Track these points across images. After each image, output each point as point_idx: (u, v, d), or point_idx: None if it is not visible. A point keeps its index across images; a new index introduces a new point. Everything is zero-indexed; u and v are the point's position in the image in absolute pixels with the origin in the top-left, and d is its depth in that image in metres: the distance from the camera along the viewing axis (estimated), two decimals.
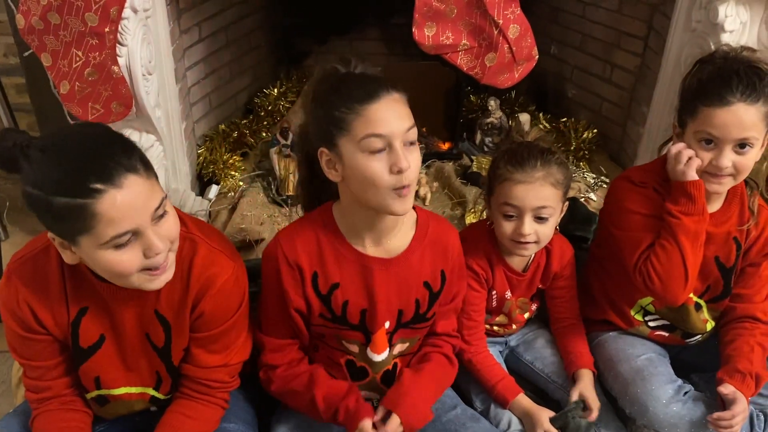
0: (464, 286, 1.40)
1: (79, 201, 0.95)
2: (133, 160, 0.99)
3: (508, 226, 1.40)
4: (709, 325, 1.54)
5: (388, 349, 1.30)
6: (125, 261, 1.02)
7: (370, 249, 1.23)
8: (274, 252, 1.23)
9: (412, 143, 1.11)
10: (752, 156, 1.30)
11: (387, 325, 1.28)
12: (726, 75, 1.28)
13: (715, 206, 1.43)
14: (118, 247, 1.00)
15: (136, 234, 1.01)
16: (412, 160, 1.10)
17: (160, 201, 1.03)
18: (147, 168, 1.02)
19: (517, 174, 1.35)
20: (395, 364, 1.34)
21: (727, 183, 1.34)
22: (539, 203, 1.36)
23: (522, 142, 1.42)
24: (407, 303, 1.28)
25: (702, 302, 1.52)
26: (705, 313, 1.53)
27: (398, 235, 1.24)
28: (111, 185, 0.96)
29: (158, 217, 1.03)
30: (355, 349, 1.30)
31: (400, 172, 1.08)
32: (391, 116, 1.08)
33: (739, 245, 1.46)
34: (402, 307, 1.27)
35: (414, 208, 1.27)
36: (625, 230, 1.42)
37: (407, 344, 1.34)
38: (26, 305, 1.14)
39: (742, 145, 1.29)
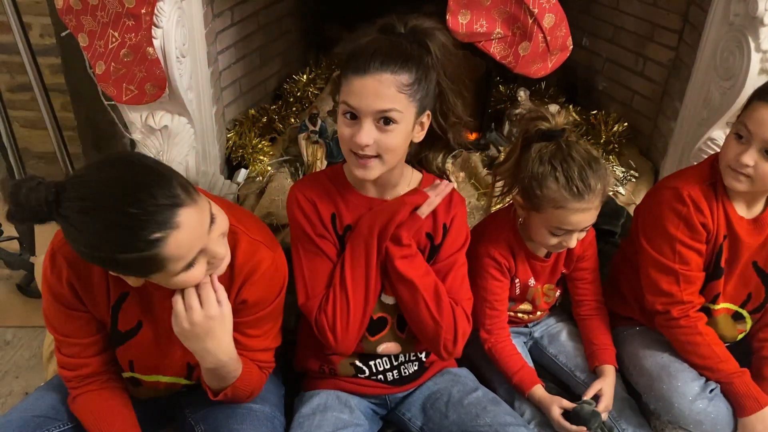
0: (463, 256, 1.39)
1: (146, 254, 0.95)
2: (175, 191, 0.98)
3: (554, 240, 1.41)
4: (742, 335, 1.53)
5: None
6: (196, 275, 1.05)
7: (368, 191, 1.33)
8: (292, 198, 1.32)
9: (386, 123, 1.17)
10: None
11: None
12: None
13: (756, 210, 1.42)
14: (188, 268, 1.03)
15: (201, 252, 1.04)
16: (379, 138, 1.17)
17: (209, 217, 1.04)
18: (188, 191, 1.01)
19: (575, 203, 1.34)
20: None
21: (743, 183, 1.32)
22: (590, 223, 1.39)
23: (566, 156, 1.36)
24: None
25: (744, 312, 1.50)
26: (747, 324, 1.51)
27: (389, 179, 1.32)
28: (169, 229, 0.96)
29: (210, 225, 1.05)
30: None
31: (358, 144, 1.17)
32: (367, 93, 1.15)
33: None
34: None
35: (422, 171, 1.39)
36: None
37: None
38: (70, 285, 1.16)
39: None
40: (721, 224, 1.40)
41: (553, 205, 1.35)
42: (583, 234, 1.42)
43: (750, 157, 1.28)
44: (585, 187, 1.33)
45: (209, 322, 1.08)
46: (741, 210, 1.41)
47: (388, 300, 1.34)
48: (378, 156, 1.20)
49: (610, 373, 1.47)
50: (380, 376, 1.38)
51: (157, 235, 0.94)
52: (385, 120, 1.16)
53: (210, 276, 1.09)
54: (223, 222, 1.09)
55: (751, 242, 1.42)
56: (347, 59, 1.20)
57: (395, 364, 1.38)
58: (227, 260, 1.12)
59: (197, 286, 1.08)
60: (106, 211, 0.94)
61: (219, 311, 1.08)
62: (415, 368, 1.40)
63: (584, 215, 1.36)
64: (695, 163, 1.87)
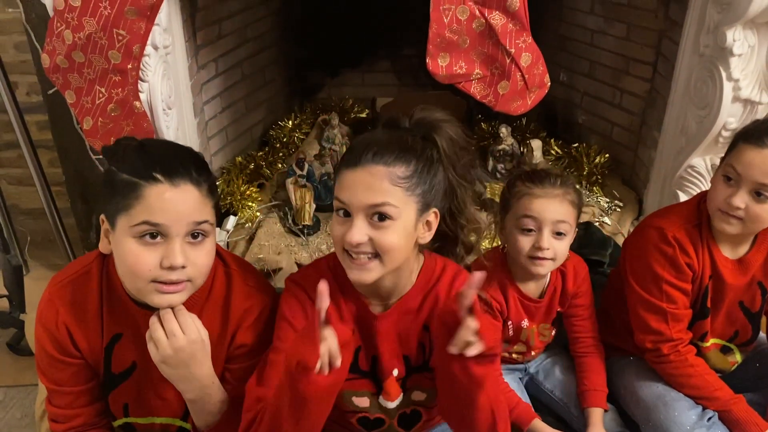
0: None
1: (136, 180, 1.02)
2: (202, 178, 1.07)
3: (526, 242, 1.41)
4: (736, 365, 1.54)
5: (402, 394, 1.26)
6: (142, 258, 1.03)
7: (374, 306, 1.20)
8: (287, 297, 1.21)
9: (381, 219, 1.06)
10: None
11: (396, 372, 1.24)
12: None
13: (742, 251, 1.43)
14: (143, 239, 1.03)
15: (164, 235, 1.04)
16: (374, 235, 1.06)
17: (203, 219, 1.07)
18: (210, 192, 1.09)
19: (536, 189, 1.39)
20: (416, 412, 1.29)
21: (735, 226, 1.33)
22: (558, 217, 1.39)
23: (536, 169, 1.46)
24: (411, 348, 1.23)
25: (732, 346, 1.52)
26: (736, 356, 1.53)
27: (397, 286, 1.19)
28: (168, 180, 1.03)
29: (194, 235, 1.06)
30: (365, 403, 1.26)
31: (349, 243, 1.06)
32: (357, 187, 1.06)
33: (764, 290, 1.47)
34: (407, 353, 1.23)
35: (423, 252, 1.23)
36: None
37: (425, 395, 1.26)
38: (65, 327, 1.16)
39: (759, 192, 1.28)
40: (706, 266, 1.42)
41: (517, 197, 1.41)
42: (561, 245, 1.40)
43: (740, 200, 1.29)
44: (545, 175, 1.41)
45: (192, 347, 1.08)
46: (726, 251, 1.42)
47: (388, 404, 1.26)
48: (377, 256, 1.08)
49: (597, 417, 1.46)
50: None
51: (158, 175, 1.03)
52: (379, 216, 1.06)
53: (182, 306, 1.09)
54: (205, 256, 1.09)
55: (736, 283, 1.44)
56: (344, 155, 1.13)
57: None
58: (181, 295, 1.08)
59: (175, 313, 1.08)
60: (152, 146, 1.11)
61: (199, 335, 1.09)
62: None
63: (547, 203, 1.38)
64: (682, 196, 1.92)
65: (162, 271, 1.04)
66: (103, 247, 1.11)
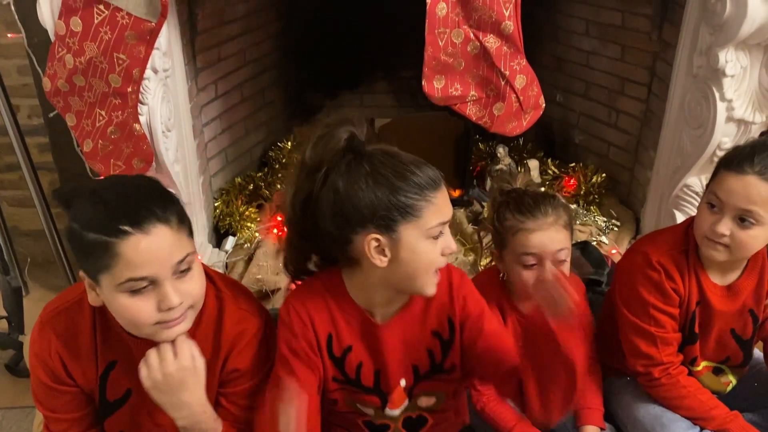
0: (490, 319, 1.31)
1: (105, 239, 0.98)
2: (168, 212, 1.02)
3: (529, 276, 1.39)
4: (731, 386, 1.53)
5: (407, 400, 1.27)
6: (139, 309, 1.03)
7: (378, 316, 1.20)
8: (284, 313, 1.21)
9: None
10: (755, 234, 1.29)
11: (403, 383, 1.24)
12: (755, 146, 1.30)
13: (732, 277, 1.43)
14: (134, 292, 1.02)
15: (153, 283, 1.02)
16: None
17: (184, 255, 1.04)
18: (180, 221, 1.05)
19: (529, 223, 1.36)
20: (422, 417, 1.30)
21: (722, 253, 1.33)
22: (558, 246, 1.38)
23: (520, 191, 1.43)
24: (419, 357, 1.24)
25: (725, 367, 1.51)
26: (729, 377, 1.52)
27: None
28: (138, 229, 0.99)
29: (181, 271, 1.05)
30: (370, 411, 1.27)
31: (451, 252, 1.13)
32: (448, 202, 1.13)
33: (756, 318, 1.46)
34: (415, 362, 1.24)
35: None
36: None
37: (434, 399, 1.28)
38: (58, 357, 1.15)
39: (743, 218, 1.28)
40: (693, 292, 1.41)
41: (512, 232, 1.38)
42: (564, 270, 1.40)
43: (725, 226, 1.29)
44: (535, 205, 1.37)
45: (182, 373, 1.08)
46: (715, 277, 1.42)
47: (392, 413, 1.28)
48: None
49: None
50: None
51: (125, 227, 0.98)
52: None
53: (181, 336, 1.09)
54: (197, 285, 1.09)
55: (725, 309, 1.43)
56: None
57: None
58: (185, 323, 1.09)
59: (171, 341, 1.08)
60: (105, 193, 1.03)
61: (192, 363, 1.09)
62: None
63: (543, 235, 1.36)
64: (678, 215, 1.93)
65: (162, 314, 1.04)
66: (92, 300, 1.09)
